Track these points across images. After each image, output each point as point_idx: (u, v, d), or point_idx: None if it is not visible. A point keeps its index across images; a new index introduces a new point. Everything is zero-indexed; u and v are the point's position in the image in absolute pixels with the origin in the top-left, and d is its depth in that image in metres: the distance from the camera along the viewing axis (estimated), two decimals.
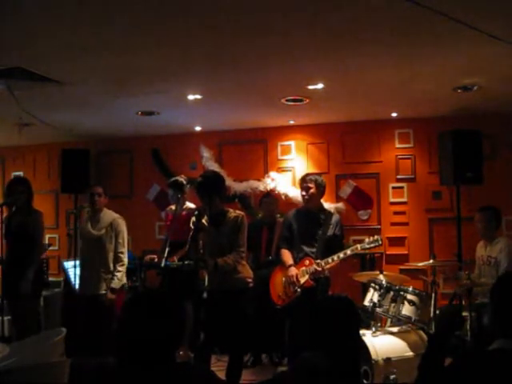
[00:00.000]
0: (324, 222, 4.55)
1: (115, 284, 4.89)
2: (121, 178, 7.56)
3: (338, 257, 4.36)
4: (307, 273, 4.42)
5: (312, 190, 4.56)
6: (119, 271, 4.93)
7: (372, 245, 4.39)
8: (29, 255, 4.77)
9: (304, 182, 4.63)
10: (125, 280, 5.03)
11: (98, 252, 4.93)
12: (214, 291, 4.25)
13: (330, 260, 4.37)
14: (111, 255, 4.95)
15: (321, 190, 4.63)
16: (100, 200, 5.01)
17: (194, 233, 4.14)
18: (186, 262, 4.49)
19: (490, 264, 4.87)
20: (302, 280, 4.42)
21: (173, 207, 5.46)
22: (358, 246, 4.40)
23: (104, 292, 4.88)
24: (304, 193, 4.60)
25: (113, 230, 4.97)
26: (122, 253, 4.98)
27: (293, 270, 4.48)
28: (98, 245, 4.94)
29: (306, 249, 4.53)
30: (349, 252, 4.37)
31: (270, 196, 6.09)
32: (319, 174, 4.90)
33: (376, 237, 4.42)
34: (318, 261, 4.40)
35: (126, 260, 5.01)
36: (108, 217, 5.03)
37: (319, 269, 4.34)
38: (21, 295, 4.65)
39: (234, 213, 4.31)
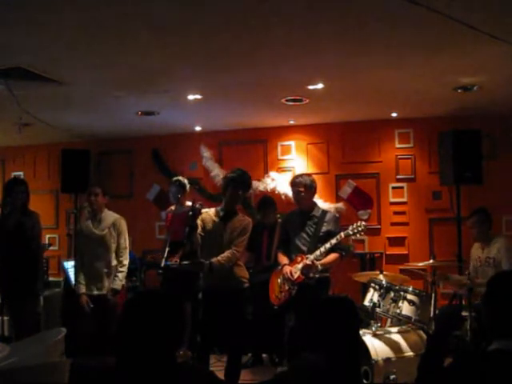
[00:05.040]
0: (318, 220, 4.58)
1: (117, 285, 4.90)
2: (121, 178, 7.55)
3: (325, 248, 4.39)
4: (299, 268, 4.46)
5: (302, 194, 4.62)
6: (120, 272, 4.95)
7: (356, 231, 4.40)
8: (30, 255, 4.76)
9: (293, 185, 4.68)
10: (124, 281, 5.04)
11: (101, 252, 4.93)
12: (210, 292, 4.30)
13: (318, 252, 4.40)
14: (113, 255, 4.97)
15: (312, 190, 4.66)
16: (97, 200, 4.99)
17: (189, 232, 4.15)
18: (185, 262, 4.50)
19: (489, 265, 4.87)
20: (296, 276, 4.45)
21: (173, 207, 5.46)
22: (342, 233, 4.41)
23: (106, 292, 4.89)
24: (295, 195, 4.66)
25: (115, 230, 4.99)
26: (123, 254, 5.00)
27: (287, 268, 4.53)
28: (101, 244, 4.94)
29: (303, 247, 4.56)
30: (334, 241, 4.37)
31: (268, 205, 5.84)
32: (308, 175, 4.87)
33: (359, 223, 4.44)
34: (308, 255, 4.44)
35: (126, 262, 5.03)
36: (110, 217, 5.04)
37: (309, 263, 4.37)
38: (27, 296, 4.66)
39: (242, 216, 4.44)
